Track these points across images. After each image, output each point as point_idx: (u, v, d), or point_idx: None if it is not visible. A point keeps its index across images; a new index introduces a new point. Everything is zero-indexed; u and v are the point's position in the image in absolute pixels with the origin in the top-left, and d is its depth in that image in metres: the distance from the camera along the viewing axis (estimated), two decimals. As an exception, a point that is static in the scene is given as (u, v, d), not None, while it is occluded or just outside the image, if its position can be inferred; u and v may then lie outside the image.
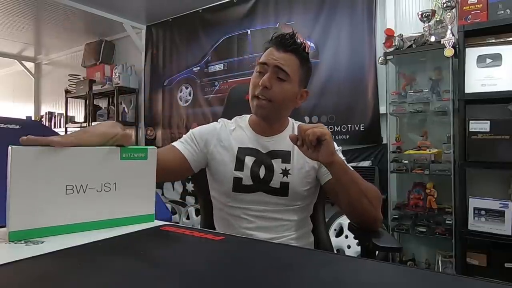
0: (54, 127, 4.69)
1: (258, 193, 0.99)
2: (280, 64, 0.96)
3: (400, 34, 2.20)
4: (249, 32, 3.15)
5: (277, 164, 1.00)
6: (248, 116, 1.10)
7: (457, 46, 2.00)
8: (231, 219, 1.01)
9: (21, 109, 5.34)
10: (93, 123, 4.10)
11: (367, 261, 0.57)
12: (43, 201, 0.53)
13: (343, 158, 1.02)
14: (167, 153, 0.98)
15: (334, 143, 1.02)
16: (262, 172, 0.99)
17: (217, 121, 1.11)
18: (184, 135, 1.05)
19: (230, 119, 1.13)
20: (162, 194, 3.47)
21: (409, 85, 2.30)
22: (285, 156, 1.01)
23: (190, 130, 1.07)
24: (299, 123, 1.10)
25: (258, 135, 1.05)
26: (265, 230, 0.98)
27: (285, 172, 0.99)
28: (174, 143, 1.03)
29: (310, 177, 1.01)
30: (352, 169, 1.00)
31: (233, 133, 1.06)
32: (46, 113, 4.92)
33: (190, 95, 3.57)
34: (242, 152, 1.01)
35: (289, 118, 1.11)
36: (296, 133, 1.04)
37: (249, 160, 1.00)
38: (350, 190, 0.89)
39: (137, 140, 3.96)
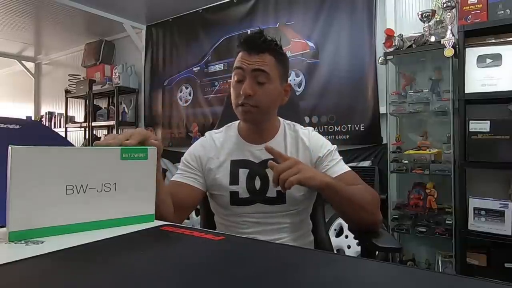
0: (54, 127, 4.69)
1: (256, 204, 0.98)
2: (258, 66, 0.93)
3: (400, 34, 2.20)
4: (249, 32, 3.15)
5: (271, 173, 0.99)
6: (237, 123, 1.08)
7: (457, 46, 2.00)
8: (230, 225, 1.02)
9: (21, 109, 5.33)
10: (93, 123, 4.10)
11: (367, 261, 0.57)
12: (43, 201, 0.53)
13: (339, 158, 1.02)
14: (177, 191, 0.95)
15: (328, 142, 1.03)
16: (257, 183, 0.99)
17: (203, 135, 1.10)
18: (179, 165, 1.04)
19: (229, 120, 1.12)
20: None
21: (409, 85, 2.30)
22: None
23: (182, 158, 1.04)
24: (289, 122, 1.09)
25: (249, 144, 1.03)
26: (263, 233, 0.98)
27: None
28: (175, 178, 1.01)
29: None
30: (348, 169, 0.99)
31: (224, 145, 1.04)
32: (46, 113, 4.92)
33: (190, 95, 3.57)
34: (235, 165, 1.00)
35: (280, 118, 1.08)
36: (288, 138, 1.04)
37: (243, 173, 0.99)
38: (343, 207, 0.89)
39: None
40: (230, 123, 1.10)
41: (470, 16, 1.97)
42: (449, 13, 2.07)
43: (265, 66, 0.94)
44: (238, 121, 1.08)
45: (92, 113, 4.10)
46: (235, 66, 0.97)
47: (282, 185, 0.79)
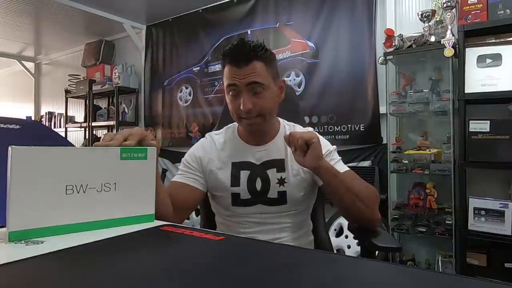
0: (54, 127, 4.69)
1: (257, 205, 0.99)
2: (251, 79, 0.91)
3: (400, 34, 2.20)
4: (249, 32, 3.15)
5: (273, 174, 0.99)
6: (236, 125, 1.08)
7: (457, 46, 2.00)
8: (231, 225, 1.02)
9: (21, 109, 5.33)
10: (93, 123, 4.10)
11: (367, 261, 0.57)
12: (43, 201, 0.53)
13: (338, 158, 1.02)
14: (177, 192, 0.96)
15: (328, 142, 1.03)
16: (258, 184, 0.99)
17: (203, 135, 1.10)
18: (179, 166, 1.04)
19: (229, 120, 1.12)
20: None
21: (409, 85, 2.30)
22: (280, 165, 1.00)
23: (182, 159, 1.05)
24: (289, 123, 1.09)
25: (250, 145, 1.03)
26: (264, 233, 0.99)
27: (281, 181, 0.99)
28: (176, 178, 1.01)
29: (306, 181, 1.01)
30: (347, 168, 0.99)
31: (224, 147, 1.04)
32: (46, 113, 4.92)
33: (190, 95, 3.57)
34: (236, 167, 1.01)
35: (279, 119, 1.09)
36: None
37: (244, 175, 1.00)
38: (341, 195, 0.89)
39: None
40: (229, 125, 1.10)
41: (470, 16, 1.96)
42: (449, 13, 2.07)
43: (258, 77, 0.92)
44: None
45: (92, 113, 4.10)
46: (228, 83, 0.95)
47: (295, 141, 0.86)
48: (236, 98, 0.95)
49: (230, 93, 0.96)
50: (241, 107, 0.92)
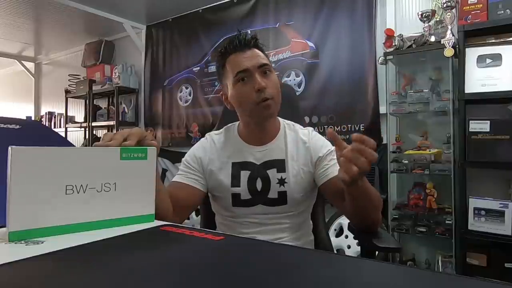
0: (54, 127, 4.69)
1: (258, 205, 0.99)
2: (260, 61, 0.95)
3: (400, 34, 2.20)
4: (249, 32, 3.14)
5: (273, 174, 0.99)
6: (236, 124, 1.08)
7: (457, 46, 2.00)
8: (231, 225, 1.02)
9: (21, 109, 5.33)
10: (93, 123, 4.10)
11: (367, 261, 0.57)
12: (43, 201, 0.53)
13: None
14: (178, 192, 0.96)
15: (328, 142, 1.03)
16: (259, 185, 0.99)
17: (203, 135, 1.10)
18: (180, 166, 1.04)
19: (229, 120, 1.12)
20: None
21: (409, 85, 2.30)
22: (280, 165, 1.00)
23: (183, 159, 1.05)
24: (289, 122, 1.09)
25: (250, 145, 1.03)
26: (264, 233, 0.99)
27: (282, 181, 0.99)
28: (176, 179, 1.01)
29: (307, 182, 1.01)
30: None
31: (224, 147, 1.04)
32: (46, 113, 4.92)
33: (190, 95, 3.57)
34: (237, 167, 1.00)
35: (279, 118, 1.08)
36: (289, 138, 1.03)
37: (244, 175, 0.99)
38: (361, 202, 0.85)
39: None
40: (229, 125, 1.10)
41: (470, 16, 1.96)
42: (449, 13, 2.07)
43: (264, 59, 0.97)
44: (237, 122, 1.08)
45: (92, 113, 4.10)
46: (239, 70, 0.94)
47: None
48: (247, 84, 0.95)
49: (241, 80, 0.95)
50: (256, 86, 0.92)
